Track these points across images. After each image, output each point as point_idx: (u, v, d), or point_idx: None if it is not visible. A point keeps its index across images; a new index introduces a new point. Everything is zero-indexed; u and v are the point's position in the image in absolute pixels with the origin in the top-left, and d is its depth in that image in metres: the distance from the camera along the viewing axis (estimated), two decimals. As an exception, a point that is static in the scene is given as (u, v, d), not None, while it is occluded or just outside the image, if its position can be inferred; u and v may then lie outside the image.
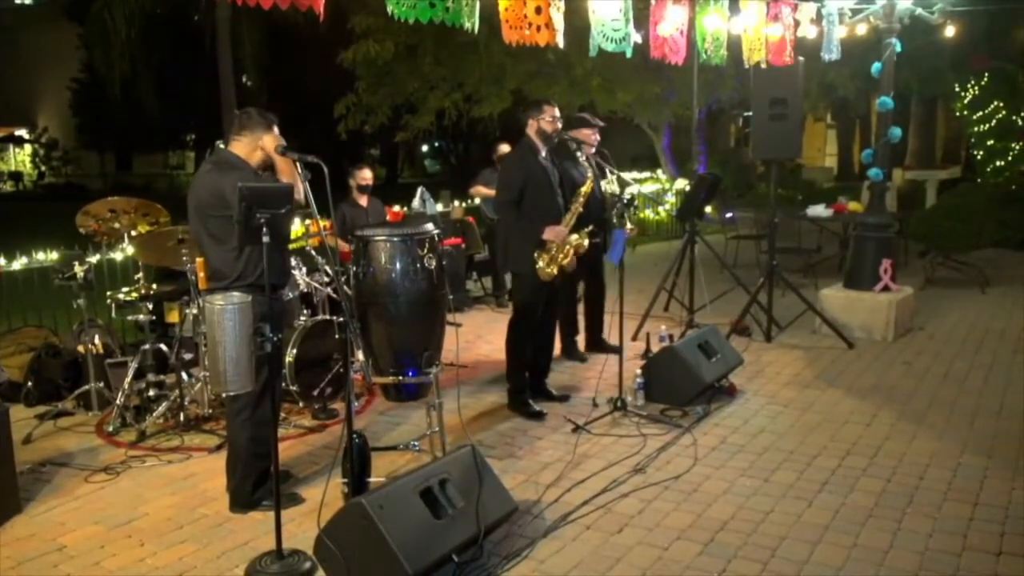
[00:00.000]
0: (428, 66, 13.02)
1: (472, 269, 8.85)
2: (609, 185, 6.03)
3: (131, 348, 5.56)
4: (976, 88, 14.26)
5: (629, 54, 5.51)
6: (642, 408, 5.01)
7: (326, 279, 5.66)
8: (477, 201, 8.73)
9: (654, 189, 15.28)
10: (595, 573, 3.25)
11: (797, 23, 7.02)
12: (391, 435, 4.78)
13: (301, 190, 3.55)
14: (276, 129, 3.77)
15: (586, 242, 4.92)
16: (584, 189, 5.01)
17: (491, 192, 7.08)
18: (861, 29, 7.15)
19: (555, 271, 4.86)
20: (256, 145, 3.70)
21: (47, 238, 7.61)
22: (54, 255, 6.20)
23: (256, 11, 5.39)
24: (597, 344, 6.39)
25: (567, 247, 4.87)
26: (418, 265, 4.08)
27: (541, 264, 4.81)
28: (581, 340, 6.39)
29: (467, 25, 4.31)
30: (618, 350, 6.10)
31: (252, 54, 19.39)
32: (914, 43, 10.78)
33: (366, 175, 6.53)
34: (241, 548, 3.48)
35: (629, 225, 5.18)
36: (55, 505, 3.92)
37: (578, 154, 5.73)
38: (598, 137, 5.93)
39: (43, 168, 34.06)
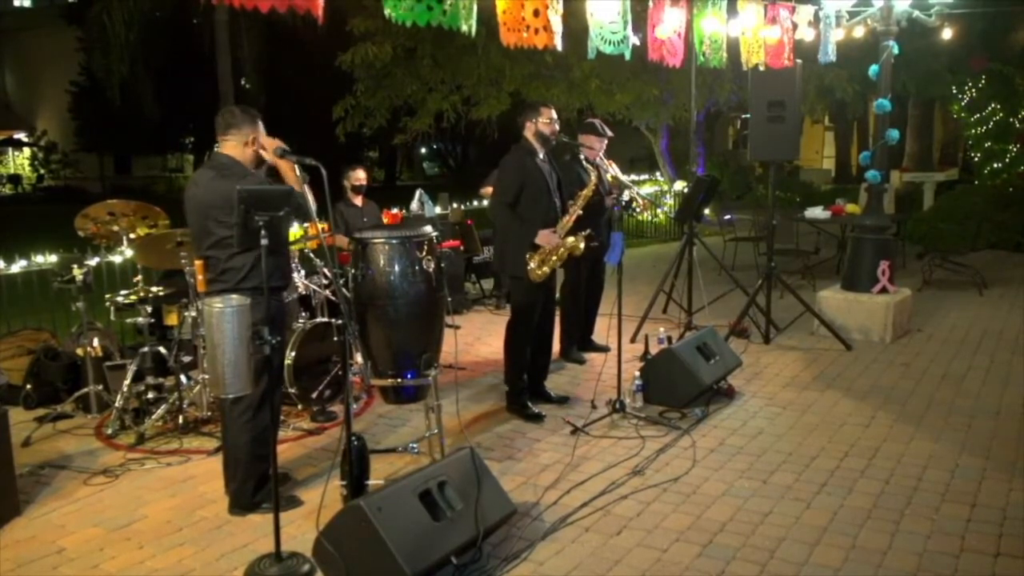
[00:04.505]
0: (426, 68, 13.02)
1: (471, 271, 8.86)
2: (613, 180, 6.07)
3: (130, 351, 5.55)
4: (974, 90, 14.29)
5: (627, 56, 5.53)
6: (641, 410, 5.01)
7: (324, 281, 5.67)
8: (486, 203, 8.74)
9: (652, 191, 15.31)
10: (594, 575, 3.25)
11: (795, 26, 7.05)
12: (390, 437, 4.79)
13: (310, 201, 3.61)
14: (260, 123, 3.77)
15: (582, 245, 4.91)
16: (585, 192, 5.02)
17: None
18: (859, 31, 7.18)
19: (547, 271, 4.87)
20: (245, 142, 3.71)
21: (46, 241, 7.63)
22: (53, 258, 6.20)
23: (255, 14, 5.39)
24: (585, 344, 6.40)
25: (561, 250, 4.87)
26: (417, 267, 4.07)
27: (532, 265, 4.81)
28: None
29: (464, 28, 4.32)
30: (607, 349, 6.14)
31: (251, 57, 19.42)
32: (912, 45, 10.82)
33: (360, 175, 6.56)
34: (240, 550, 3.48)
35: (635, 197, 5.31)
36: (54, 507, 3.92)
37: (581, 157, 5.75)
38: (603, 146, 5.94)
39: (42, 171, 34.03)
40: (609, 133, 5.98)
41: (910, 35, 9.08)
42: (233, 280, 3.64)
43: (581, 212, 4.97)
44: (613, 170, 6.09)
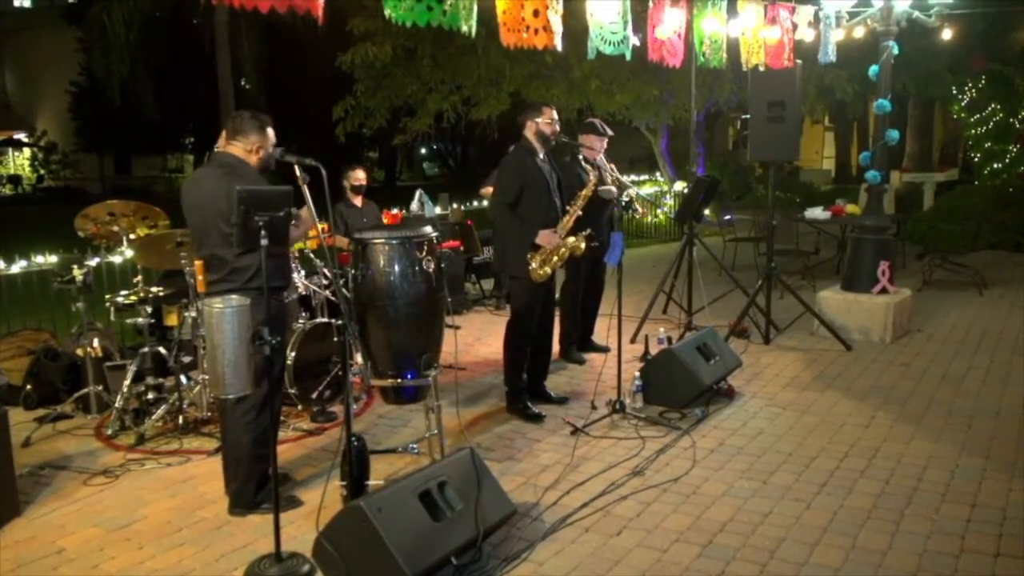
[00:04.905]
0: (426, 68, 13.02)
1: (471, 271, 8.86)
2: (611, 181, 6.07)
3: (130, 351, 5.56)
4: (973, 90, 14.29)
5: (628, 57, 5.53)
6: (641, 410, 5.01)
7: (324, 282, 5.67)
8: (485, 203, 8.75)
9: (652, 191, 15.31)
10: (594, 575, 3.25)
11: (795, 26, 7.05)
12: (390, 438, 4.79)
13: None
14: (270, 131, 3.79)
15: (583, 245, 4.92)
16: (585, 192, 5.02)
17: None
18: (859, 32, 7.18)
19: (549, 272, 4.87)
20: (250, 150, 3.73)
21: (46, 241, 7.62)
22: (53, 258, 6.20)
23: (254, 14, 5.39)
24: (585, 344, 6.40)
25: (562, 250, 4.87)
26: (416, 267, 4.07)
27: (534, 265, 4.81)
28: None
29: (464, 28, 4.32)
30: (607, 350, 6.14)
31: (251, 57, 19.44)
32: (911, 46, 10.81)
33: (360, 176, 6.58)
34: (240, 551, 3.48)
35: (635, 198, 5.31)
36: (54, 508, 3.92)
37: (580, 158, 5.75)
38: (604, 145, 5.95)
39: (42, 171, 34.03)
40: (609, 132, 5.99)
41: (910, 35, 9.08)
42: (241, 280, 3.64)
43: (581, 213, 4.97)
44: (614, 174, 6.09)
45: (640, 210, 6.36)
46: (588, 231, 4.94)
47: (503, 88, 13.26)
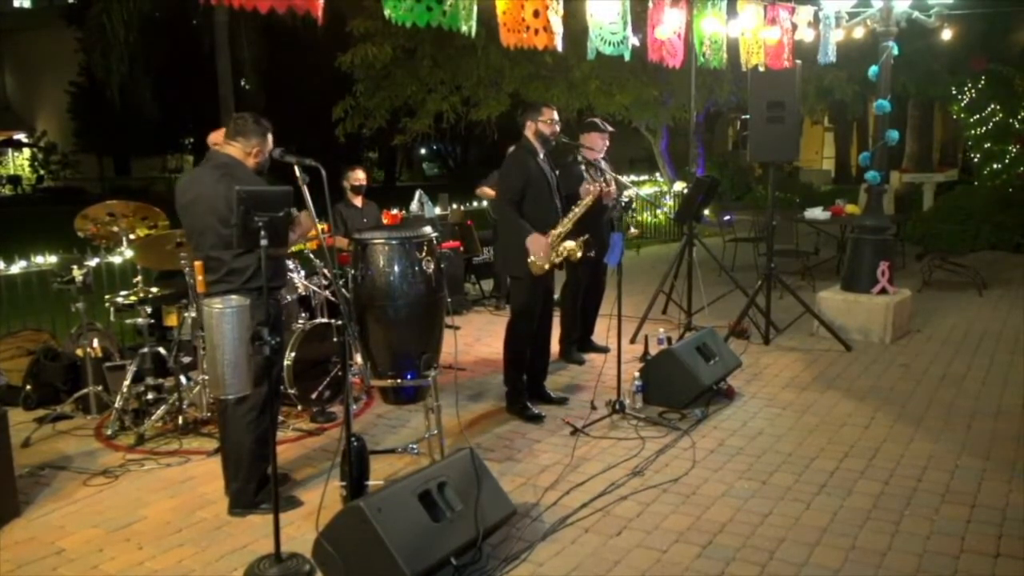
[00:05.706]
0: (426, 69, 13.03)
1: (470, 272, 8.86)
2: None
3: (130, 351, 5.55)
4: (973, 91, 14.30)
5: (627, 57, 5.53)
6: (640, 411, 5.01)
7: (324, 282, 5.67)
8: (484, 203, 8.76)
9: (652, 192, 15.31)
10: (594, 575, 3.25)
11: (795, 26, 7.05)
12: (389, 438, 4.79)
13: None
14: (270, 136, 3.79)
15: (579, 253, 4.88)
16: (585, 201, 5.00)
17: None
18: (858, 32, 7.18)
19: (547, 267, 4.85)
20: (249, 152, 3.74)
21: (46, 242, 7.62)
22: (53, 259, 6.20)
23: (254, 15, 5.39)
24: (585, 344, 6.40)
25: (561, 250, 4.85)
26: (416, 268, 4.07)
27: (532, 258, 4.79)
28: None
29: (464, 28, 4.32)
30: (606, 350, 6.13)
31: (250, 57, 19.41)
32: (911, 46, 10.81)
33: (359, 176, 6.59)
34: (240, 551, 3.48)
35: (633, 230, 5.20)
36: (54, 508, 3.92)
37: (579, 158, 5.75)
38: (607, 142, 5.95)
39: (42, 172, 34.06)
40: (609, 128, 6.01)
41: (910, 36, 9.08)
42: (239, 281, 3.64)
43: (578, 218, 4.96)
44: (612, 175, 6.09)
45: (635, 231, 6.37)
46: (586, 236, 4.91)
47: (503, 89, 13.26)
